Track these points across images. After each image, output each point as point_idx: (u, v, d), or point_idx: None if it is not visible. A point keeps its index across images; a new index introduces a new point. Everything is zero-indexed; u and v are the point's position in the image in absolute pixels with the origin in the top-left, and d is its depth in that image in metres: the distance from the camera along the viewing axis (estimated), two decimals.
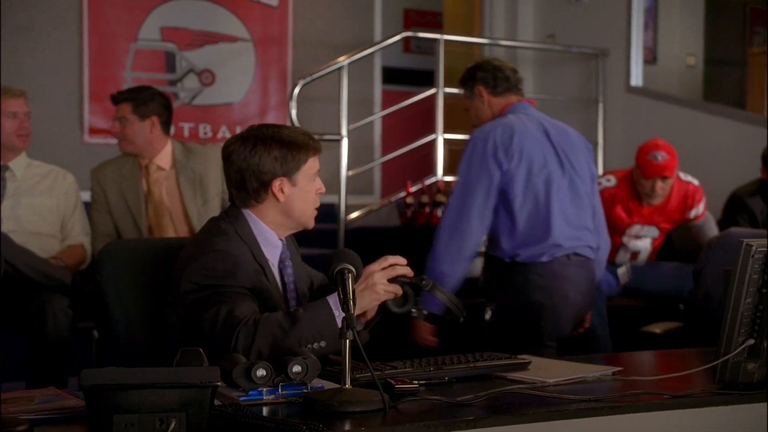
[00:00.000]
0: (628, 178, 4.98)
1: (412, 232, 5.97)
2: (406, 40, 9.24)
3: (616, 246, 5.04)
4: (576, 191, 3.75)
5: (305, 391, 2.05)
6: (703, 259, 4.72)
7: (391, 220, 6.94)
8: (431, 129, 6.68)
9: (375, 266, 2.38)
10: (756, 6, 8.88)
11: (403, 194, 6.49)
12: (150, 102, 4.29)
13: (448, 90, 6.89)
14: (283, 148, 2.54)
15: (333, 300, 2.32)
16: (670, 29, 8.32)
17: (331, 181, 6.38)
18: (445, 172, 6.64)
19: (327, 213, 6.57)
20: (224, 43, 7.18)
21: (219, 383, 1.70)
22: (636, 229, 5.03)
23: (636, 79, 7.37)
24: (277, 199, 2.55)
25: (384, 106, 7.45)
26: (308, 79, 6.40)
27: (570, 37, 7.69)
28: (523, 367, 2.46)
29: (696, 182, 5.07)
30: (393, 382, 2.15)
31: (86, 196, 4.40)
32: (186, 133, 6.83)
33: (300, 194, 2.57)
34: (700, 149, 6.66)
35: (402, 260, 2.40)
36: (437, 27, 9.41)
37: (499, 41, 7.84)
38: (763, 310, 2.27)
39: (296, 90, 6.28)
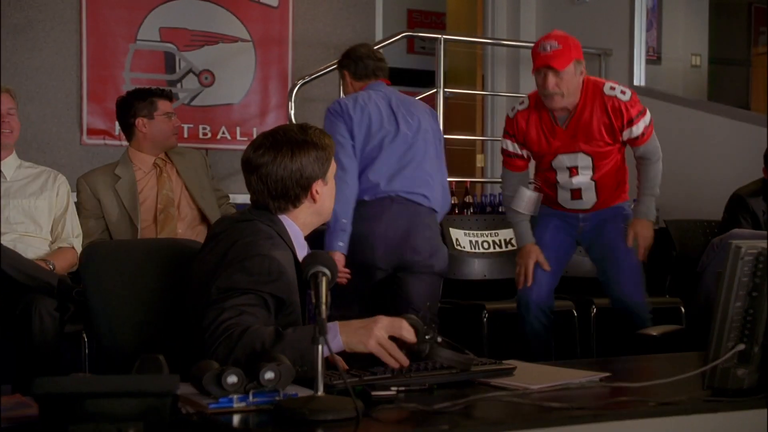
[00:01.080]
0: (536, 95, 4.36)
1: None
2: (410, 41, 9.21)
3: (553, 188, 4.44)
4: (414, 148, 4.38)
5: (277, 398, 1.99)
6: (705, 260, 4.66)
7: None
8: None
9: (387, 319, 2.27)
10: (761, 5, 8.81)
11: None
12: None
13: (449, 90, 6.85)
14: (318, 149, 2.53)
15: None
16: (675, 29, 8.25)
17: None
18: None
19: None
20: (224, 43, 7.12)
21: (178, 391, 1.64)
22: (562, 160, 4.35)
23: (639, 79, 7.31)
24: (314, 200, 2.54)
25: None
26: (307, 79, 6.37)
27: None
28: (508, 372, 2.40)
29: (628, 95, 4.24)
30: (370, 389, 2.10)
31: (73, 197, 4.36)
32: (185, 134, 6.77)
33: (329, 192, 2.60)
34: (703, 149, 6.59)
35: (411, 332, 2.27)
36: (441, 27, 9.37)
37: (502, 41, 7.78)
38: (754, 314, 2.20)
39: (294, 90, 6.25)
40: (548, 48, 4.16)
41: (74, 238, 4.20)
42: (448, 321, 4.96)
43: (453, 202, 6.06)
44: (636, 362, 2.85)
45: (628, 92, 4.27)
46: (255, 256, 2.36)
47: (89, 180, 4.37)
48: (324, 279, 2.07)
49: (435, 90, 6.66)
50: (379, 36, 7.63)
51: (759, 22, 8.78)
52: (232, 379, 1.96)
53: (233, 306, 2.28)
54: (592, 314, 5.29)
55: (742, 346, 2.20)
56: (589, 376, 2.36)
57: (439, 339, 2.34)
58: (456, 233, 5.30)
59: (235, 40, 7.14)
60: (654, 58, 7.99)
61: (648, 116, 4.32)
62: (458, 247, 5.49)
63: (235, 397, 1.97)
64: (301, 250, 2.53)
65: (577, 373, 2.40)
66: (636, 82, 7.31)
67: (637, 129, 4.27)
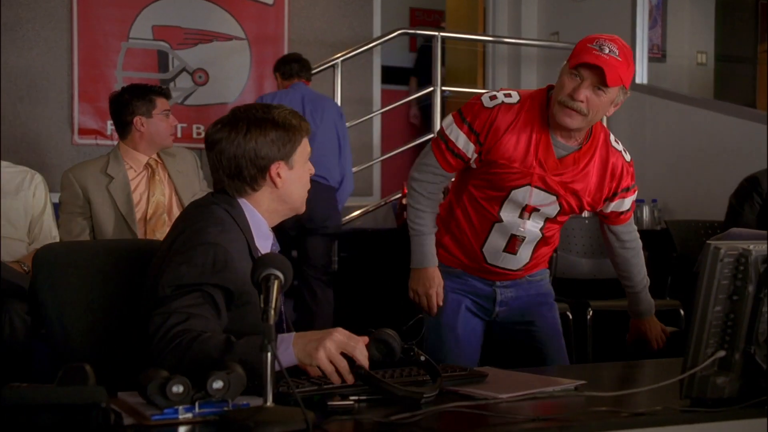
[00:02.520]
0: (537, 98, 3.09)
1: (405, 235, 5.77)
2: (412, 40, 9.12)
3: (490, 223, 3.15)
4: (316, 139, 5.28)
5: (226, 409, 1.88)
6: (701, 260, 4.52)
7: (388, 221, 6.78)
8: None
9: (344, 335, 2.12)
10: None
11: (398, 195, 6.30)
12: None
13: (447, 89, 6.74)
14: (279, 130, 2.39)
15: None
16: (680, 26, 8.13)
17: None
18: None
19: None
20: (218, 41, 7.04)
21: (103, 404, 1.53)
22: (526, 194, 3.08)
23: (642, 77, 7.19)
24: (275, 185, 2.40)
25: (384, 107, 7.28)
26: None
27: (574, 35, 7.49)
28: (480, 380, 2.29)
29: (628, 157, 3.24)
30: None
31: (54, 197, 4.23)
32: (179, 134, 6.68)
33: (296, 178, 2.44)
34: (708, 148, 6.47)
35: (365, 355, 2.11)
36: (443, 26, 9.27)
37: (503, 38, 7.67)
38: (735, 319, 2.08)
39: None
40: (606, 50, 2.91)
41: (51, 239, 4.09)
42: None
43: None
44: (617, 369, 2.71)
45: (629, 156, 3.25)
46: (199, 246, 2.25)
47: (78, 176, 4.18)
48: (276, 283, 1.96)
49: (432, 89, 6.54)
50: (377, 33, 7.53)
51: (766, 20, 8.63)
52: (177, 388, 1.85)
53: (180, 309, 2.16)
54: (588, 317, 5.17)
55: (722, 353, 2.08)
56: (564, 384, 2.25)
57: (423, 357, 2.24)
58: None
59: (229, 38, 7.06)
60: (659, 56, 7.88)
61: (636, 192, 3.35)
62: None
63: (180, 407, 1.86)
64: (264, 240, 2.41)
65: (552, 381, 2.29)
66: (639, 80, 7.20)
67: (628, 202, 3.26)
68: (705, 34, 8.36)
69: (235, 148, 2.36)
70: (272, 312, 1.86)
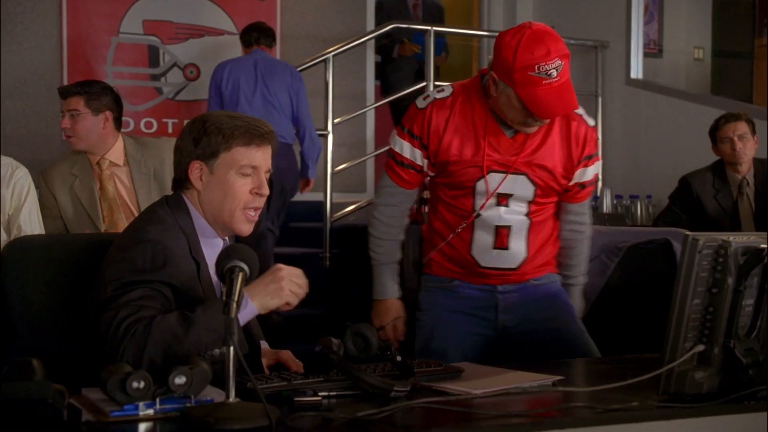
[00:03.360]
0: (471, 87, 2.89)
1: None
2: None
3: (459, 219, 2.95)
4: (269, 101, 5.86)
5: (188, 405, 1.83)
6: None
7: None
8: None
9: (285, 268, 2.18)
10: None
11: None
12: (102, 96, 4.06)
13: (440, 84, 6.67)
14: (203, 130, 2.33)
15: None
16: (677, 21, 8.08)
17: (318, 178, 6.22)
18: None
19: (315, 211, 6.39)
20: (209, 36, 6.97)
21: (50, 399, 1.48)
22: (492, 181, 2.87)
23: (636, 71, 7.14)
24: (194, 187, 2.34)
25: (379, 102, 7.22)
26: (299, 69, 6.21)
27: (570, 29, 7.45)
28: (455, 375, 2.23)
29: (593, 123, 2.98)
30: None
31: None
32: (170, 129, 6.63)
33: (218, 185, 2.31)
34: (703, 143, 6.39)
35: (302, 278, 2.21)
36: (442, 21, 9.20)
37: (497, 33, 7.58)
38: (714, 313, 2.02)
39: None
40: (554, 73, 2.66)
41: (31, 233, 4.02)
42: None
43: None
44: (598, 364, 2.66)
45: (592, 121, 2.99)
46: (138, 244, 2.21)
47: (47, 177, 4.12)
48: (240, 275, 1.91)
49: (424, 83, 6.48)
50: (371, 28, 7.47)
51: (763, 14, 8.56)
52: (137, 384, 1.80)
53: (129, 302, 2.12)
54: None
55: (701, 347, 2.03)
56: (542, 380, 2.20)
57: (398, 357, 2.19)
58: None
59: (221, 33, 6.99)
60: (655, 51, 7.83)
61: (600, 163, 3.16)
62: None
63: (141, 404, 1.81)
64: (209, 245, 2.35)
65: (529, 377, 2.23)
66: (633, 75, 7.15)
67: (591, 172, 2.97)
68: (702, 29, 8.31)
69: (178, 140, 2.38)
70: (234, 305, 1.80)
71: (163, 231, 2.25)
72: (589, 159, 2.94)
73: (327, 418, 1.81)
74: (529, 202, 2.92)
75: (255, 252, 2.02)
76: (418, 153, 2.90)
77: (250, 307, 2.14)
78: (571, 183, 2.95)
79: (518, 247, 2.93)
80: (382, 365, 2.21)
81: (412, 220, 5.75)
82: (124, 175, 4.11)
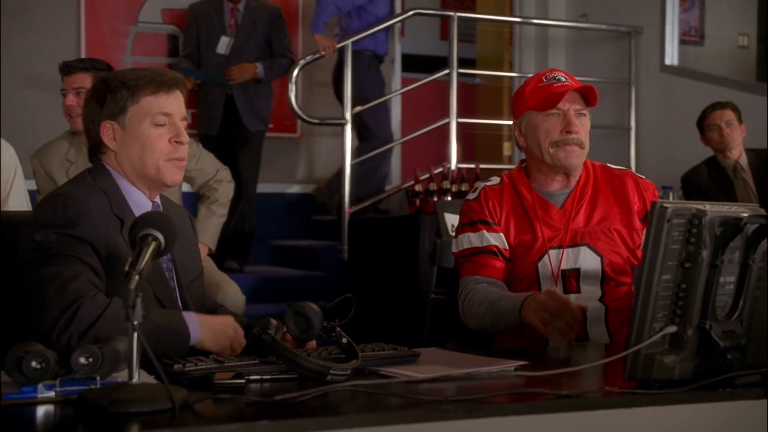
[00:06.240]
0: (514, 171, 2.85)
1: (416, 222, 5.54)
2: (443, 27, 8.84)
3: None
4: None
5: (93, 387, 1.66)
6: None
7: (403, 209, 6.54)
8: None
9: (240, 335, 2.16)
10: None
11: (412, 183, 6.05)
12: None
13: (463, 71, 6.47)
14: (106, 88, 2.22)
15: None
16: (719, 8, 7.78)
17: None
18: (460, 160, 6.20)
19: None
20: None
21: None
22: (553, 258, 2.69)
23: (671, 58, 6.86)
24: (111, 148, 2.22)
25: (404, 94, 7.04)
26: (309, 59, 6.06)
27: (603, 16, 7.22)
28: (410, 360, 2.05)
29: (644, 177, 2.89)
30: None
31: (31, 184, 4.01)
32: (189, 119, 6.49)
33: (133, 139, 2.20)
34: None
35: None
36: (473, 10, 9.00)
37: (531, 20, 7.37)
38: (687, 290, 1.81)
39: (295, 72, 5.95)
40: (563, 78, 2.72)
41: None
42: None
43: (454, 189, 5.75)
44: (569, 349, 2.43)
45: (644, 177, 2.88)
46: (48, 198, 2.10)
47: (42, 161, 4.02)
48: (153, 244, 1.73)
49: (447, 71, 6.28)
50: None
51: None
52: (35, 363, 1.64)
53: (57, 261, 2.00)
54: None
55: (673, 329, 1.81)
56: (503, 365, 2.00)
57: (344, 339, 2.02)
58: (450, 218, 4.91)
59: None
60: (696, 38, 7.55)
61: None
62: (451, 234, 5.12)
63: (40, 385, 1.65)
64: (138, 209, 2.21)
65: (491, 361, 2.04)
66: (668, 62, 6.88)
67: None
68: (747, 15, 8.00)
69: (83, 112, 2.29)
70: (136, 276, 1.62)
71: (77, 187, 2.16)
72: None
73: (240, 401, 1.63)
74: (601, 284, 2.69)
75: None
76: (492, 236, 2.73)
77: (195, 334, 2.09)
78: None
79: (599, 332, 2.67)
80: (328, 349, 2.03)
81: (432, 210, 5.55)
82: None
